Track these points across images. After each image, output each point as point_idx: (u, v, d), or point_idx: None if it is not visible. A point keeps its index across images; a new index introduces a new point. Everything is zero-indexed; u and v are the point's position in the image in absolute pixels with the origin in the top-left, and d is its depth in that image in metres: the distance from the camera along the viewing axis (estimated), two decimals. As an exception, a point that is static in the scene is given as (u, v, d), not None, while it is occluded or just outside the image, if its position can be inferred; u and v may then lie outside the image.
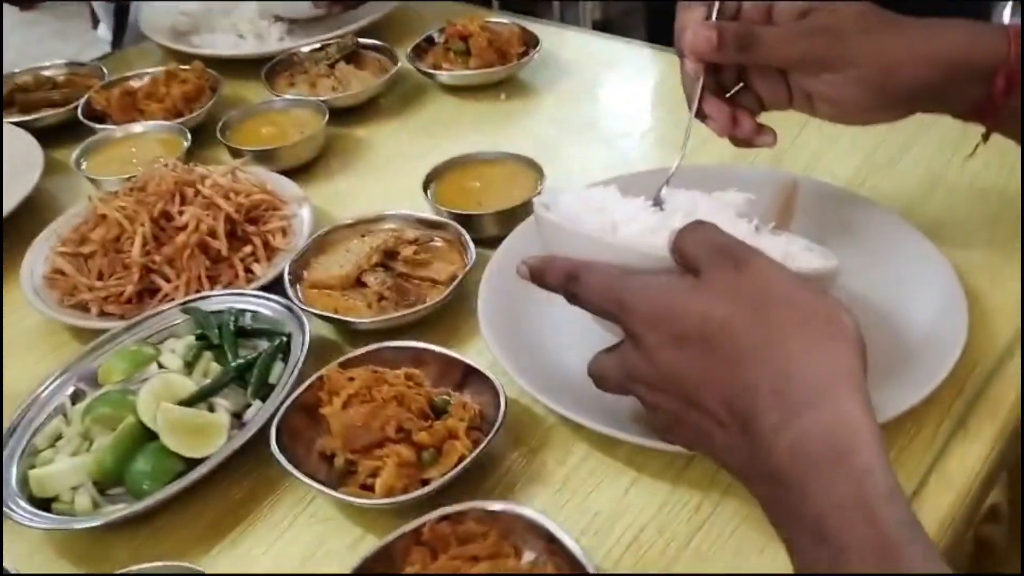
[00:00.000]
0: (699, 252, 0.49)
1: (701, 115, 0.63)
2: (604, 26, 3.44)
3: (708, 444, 0.48)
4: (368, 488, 0.57)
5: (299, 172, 0.90)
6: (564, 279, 0.54)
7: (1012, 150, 0.65)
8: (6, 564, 0.54)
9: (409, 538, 0.52)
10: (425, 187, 0.81)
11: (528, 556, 0.52)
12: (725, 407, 0.45)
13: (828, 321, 0.45)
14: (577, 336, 0.61)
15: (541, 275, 0.56)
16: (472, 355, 0.65)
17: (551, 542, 0.52)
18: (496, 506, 0.53)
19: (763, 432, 0.43)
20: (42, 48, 3.77)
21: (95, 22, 3.89)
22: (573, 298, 0.53)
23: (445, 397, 0.62)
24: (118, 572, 0.52)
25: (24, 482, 0.59)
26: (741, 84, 0.64)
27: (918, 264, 0.67)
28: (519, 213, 0.76)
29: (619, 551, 0.55)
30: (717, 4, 0.60)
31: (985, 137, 0.64)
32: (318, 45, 1.06)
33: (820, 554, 0.40)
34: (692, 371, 0.47)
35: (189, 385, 0.62)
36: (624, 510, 0.57)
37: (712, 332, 0.46)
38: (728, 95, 0.64)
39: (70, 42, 3.90)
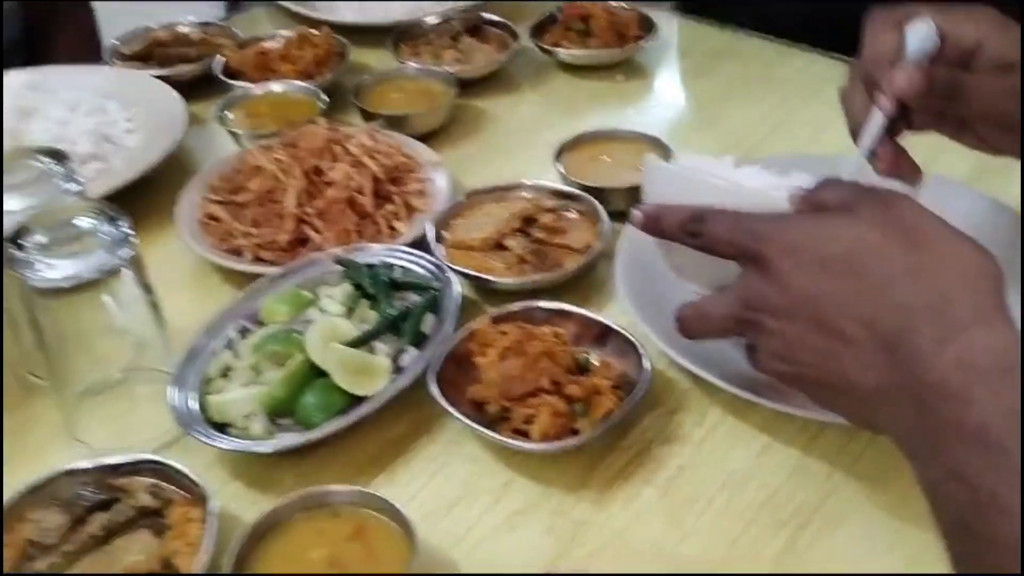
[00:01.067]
0: (845, 194, 0.50)
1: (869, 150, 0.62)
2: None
3: (833, 364, 0.49)
4: (520, 433, 0.61)
5: (427, 138, 0.94)
6: (688, 218, 0.55)
7: None
8: (191, 474, 0.58)
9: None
10: (556, 158, 0.85)
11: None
12: (865, 326, 0.47)
13: (981, 259, 0.46)
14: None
15: (657, 220, 0.57)
16: (607, 319, 0.69)
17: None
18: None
19: (921, 346, 0.44)
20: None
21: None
22: (695, 237, 0.54)
23: (586, 355, 0.66)
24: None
25: (202, 407, 0.64)
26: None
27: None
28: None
29: (754, 510, 0.58)
30: (931, 39, 0.59)
31: None
32: (443, 18, 1.09)
33: (981, 461, 0.41)
34: (832, 292, 0.48)
35: (351, 329, 0.67)
36: (757, 470, 0.61)
37: (862, 255, 0.47)
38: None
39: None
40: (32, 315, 0.61)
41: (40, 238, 0.60)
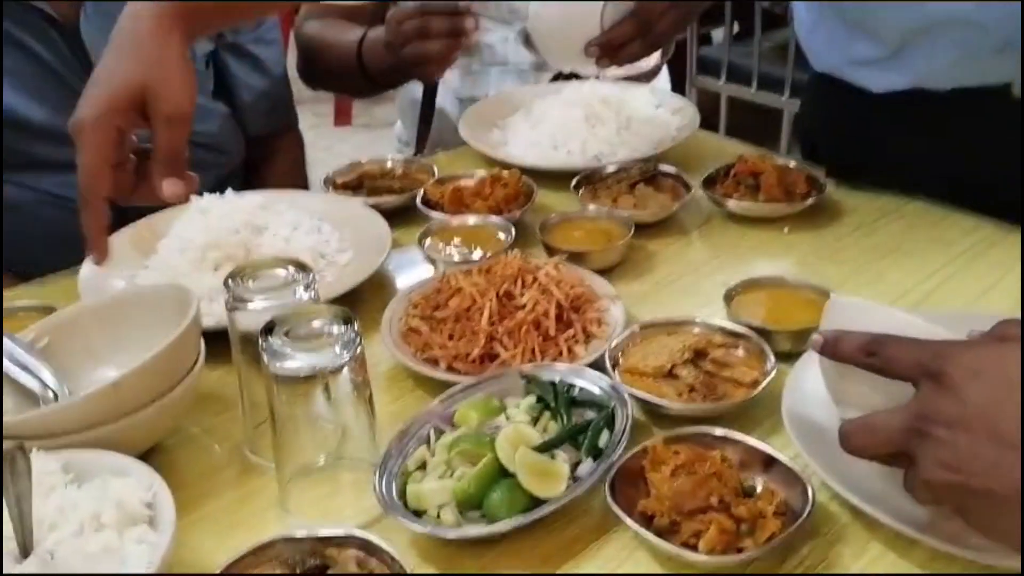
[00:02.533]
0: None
1: None
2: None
3: (1006, 474, 0.51)
4: (688, 547, 0.66)
5: (604, 273, 1.02)
6: (868, 341, 0.59)
7: None
8: (393, 552, 0.66)
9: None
10: (727, 301, 0.91)
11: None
12: None
13: None
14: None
15: (837, 343, 0.61)
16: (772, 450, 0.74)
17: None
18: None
19: None
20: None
21: (338, 121, 4.31)
22: (873, 357, 0.58)
23: (751, 482, 0.71)
24: None
25: (402, 494, 0.72)
26: None
27: None
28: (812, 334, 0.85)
29: (912, 643, 0.61)
30: None
31: None
32: (622, 166, 1.20)
33: None
34: (1011, 409, 0.50)
35: (536, 436, 0.74)
36: (918, 608, 0.63)
37: None
38: None
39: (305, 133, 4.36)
40: (271, 400, 0.72)
41: (284, 333, 0.70)
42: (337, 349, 0.70)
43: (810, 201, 1.11)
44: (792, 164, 1.15)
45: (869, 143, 1.19)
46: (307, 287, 0.76)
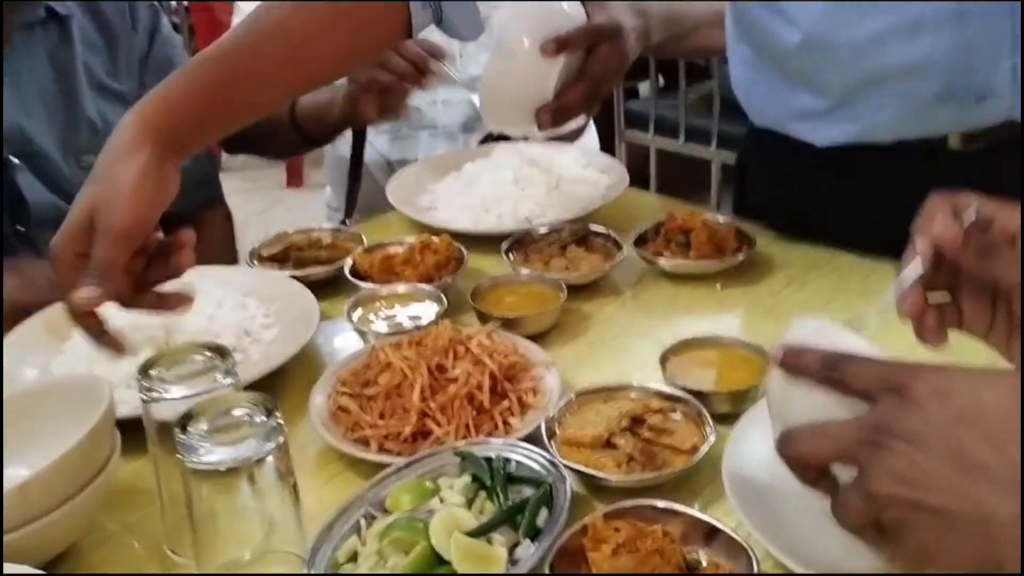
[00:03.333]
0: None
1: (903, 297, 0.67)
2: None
3: (968, 492, 0.48)
4: (633, 630, 0.63)
5: (538, 338, 1.00)
6: (830, 355, 0.56)
7: None
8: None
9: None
10: (662, 363, 0.90)
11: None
12: (1012, 463, 0.48)
13: None
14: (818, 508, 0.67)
15: (798, 356, 0.58)
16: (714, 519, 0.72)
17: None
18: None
19: None
20: (233, 201, 4.18)
21: (290, 183, 4.29)
22: (834, 372, 0.55)
23: (694, 555, 0.69)
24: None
25: (332, 589, 0.68)
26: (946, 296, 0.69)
27: None
28: (751, 394, 0.84)
29: None
30: (972, 209, 0.65)
31: None
32: (552, 228, 1.19)
33: None
34: (978, 432, 0.49)
35: (471, 520, 0.71)
36: None
37: (1014, 411, 0.49)
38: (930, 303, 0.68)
39: (255, 200, 4.32)
40: (189, 495, 0.68)
41: (202, 425, 0.67)
42: (258, 439, 0.66)
43: (741, 257, 1.11)
44: (722, 220, 1.16)
45: (808, 195, 1.18)
46: (227, 373, 0.73)
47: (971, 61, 1.00)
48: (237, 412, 0.68)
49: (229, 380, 0.73)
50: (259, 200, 4.35)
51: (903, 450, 0.51)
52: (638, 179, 3.00)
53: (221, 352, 0.75)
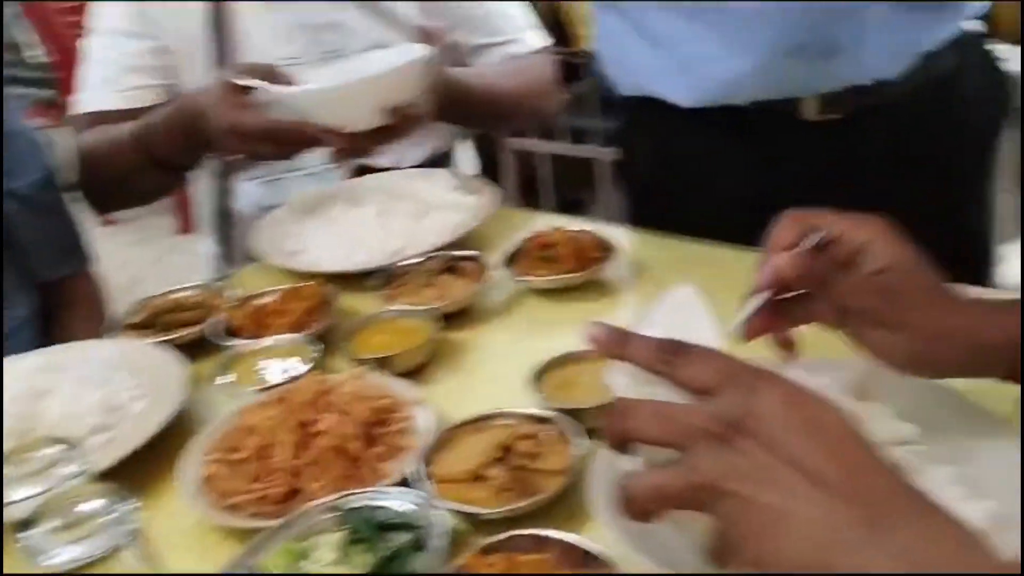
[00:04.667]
0: None
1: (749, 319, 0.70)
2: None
3: (801, 502, 0.49)
4: (512, 666, 0.63)
5: (412, 375, 1.00)
6: (667, 345, 0.54)
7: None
8: None
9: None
10: (532, 384, 0.90)
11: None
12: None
13: None
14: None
15: (624, 342, 0.55)
16: (589, 537, 0.72)
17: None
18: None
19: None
20: (128, 254, 4.08)
21: (183, 229, 4.21)
22: (670, 362, 0.54)
23: (574, 579, 0.69)
24: None
25: (206, 671, 0.66)
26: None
27: (989, 437, 0.74)
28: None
29: None
30: (819, 236, 0.68)
31: None
32: (420, 258, 1.18)
33: None
34: (826, 453, 0.50)
35: (344, 577, 0.70)
36: None
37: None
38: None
39: (147, 250, 4.22)
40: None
41: (48, 524, 0.64)
42: (111, 532, 0.64)
43: (605, 265, 1.12)
44: (585, 229, 1.17)
45: (675, 162, 1.25)
46: (74, 465, 0.71)
47: (818, 16, 1.04)
48: (86, 507, 0.66)
49: (78, 470, 0.71)
50: (152, 250, 4.26)
51: (749, 448, 0.51)
52: (529, 188, 3.01)
53: (65, 443, 0.72)
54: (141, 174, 1.42)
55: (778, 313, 0.72)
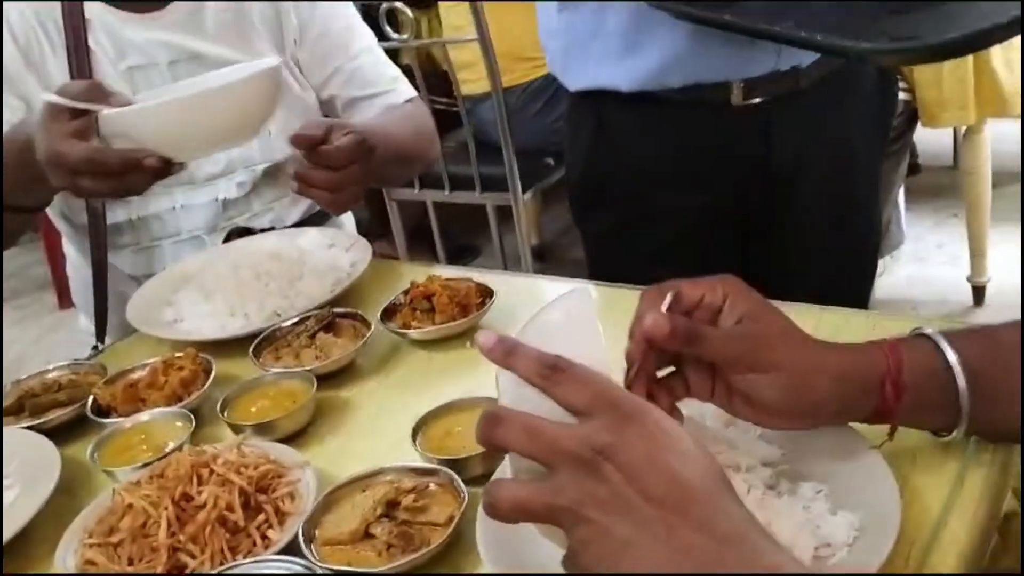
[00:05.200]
0: None
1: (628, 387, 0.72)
2: (542, 251, 3.69)
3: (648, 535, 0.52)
4: None
5: (295, 438, 0.99)
6: (549, 361, 0.56)
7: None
8: None
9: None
10: (413, 437, 0.91)
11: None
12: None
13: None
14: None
15: (510, 352, 0.58)
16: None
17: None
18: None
19: None
20: (9, 334, 3.92)
21: (62, 304, 4.05)
22: (550, 378, 0.56)
23: (461, 631, 0.69)
24: None
25: None
26: (673, 369, 0.75)
27: (850, 452, 0.77)
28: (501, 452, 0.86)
29: None
30: (671, 297, 0.72)
31: (891, 435, 0.75)
32: (298, 319, 1.18)
33: None
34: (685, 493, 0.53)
35: (229, 653, 0.69)
36: None
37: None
38: (659, 377, 0.74)
39: (29, 328, 4.06)
40: None
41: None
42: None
43: (483, 311, 1.13)
44: (462, 277, 1.18)
45: (613, 146, 1.40)
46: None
47: None
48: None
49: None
50: (33, 328, 4.10)
51: (611, 476, 0.53)
52: (422, 236, 3.02)
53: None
54: None
55: (658, 389, 0.74)
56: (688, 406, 0.76)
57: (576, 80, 1.41)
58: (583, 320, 0.63)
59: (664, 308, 0.71)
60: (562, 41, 1.40)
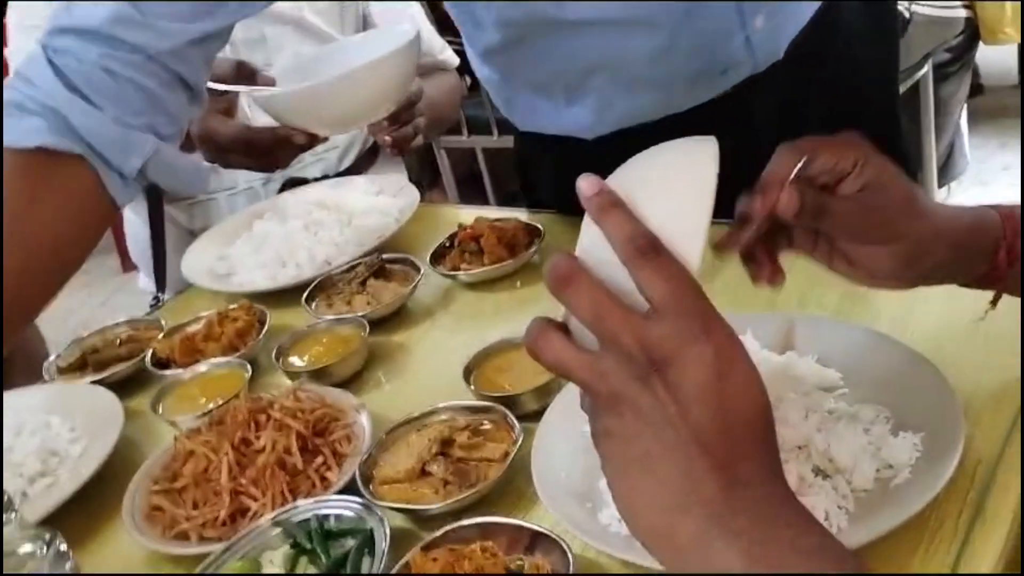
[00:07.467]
0: None
1: (747, 256, 0.69)
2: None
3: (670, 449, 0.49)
4: (466, 655, 0.64)
5: (350, 382, 1.00)
6: (643, 237, 0.52)
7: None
8: None
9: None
10: (466, 377, 0.91)
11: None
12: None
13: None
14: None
15: (608, 211, 0.54)
16: (535, 519, 0.73)
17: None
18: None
19: None
20: (74, 300, 4.02)
21: (126, 267, 4.14)
22: (637, 260, 0.52)
23: (519, 562, 0.70)
24: None
25: None
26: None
27: (911, 372, 0.75)
28: (553, 387, 0.86)
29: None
30: (803, 162, 0.66)
31: (994, 302, 0.73)
32: (348, 266, 1.18)
33: None
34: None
35: (293, 590, 0.70)
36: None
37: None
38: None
39: (96, 292, 4.16)
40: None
41: (-17, 575, 0.64)
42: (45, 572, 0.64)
43: (533, 251, 1.12)
44: (509, 217, 1.17)
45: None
46: (4, 512, 0.70)
47: (709, 44, 1.05)
48: (20, 551, 0.65)
49: (10, 517, 0.70)
50: (99, 292, 4.20)
51: (658, 391, 0.49)
52: (472, 181, 3.01)
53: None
54: None
55: (759, 241, 0.69)
56: (741, 333, 0.74)
57: (526, 125, 1.22)
58: (701, 170, 0.55)
59: (794, 174, 0.65)
60: (498, 91, 1.21)
